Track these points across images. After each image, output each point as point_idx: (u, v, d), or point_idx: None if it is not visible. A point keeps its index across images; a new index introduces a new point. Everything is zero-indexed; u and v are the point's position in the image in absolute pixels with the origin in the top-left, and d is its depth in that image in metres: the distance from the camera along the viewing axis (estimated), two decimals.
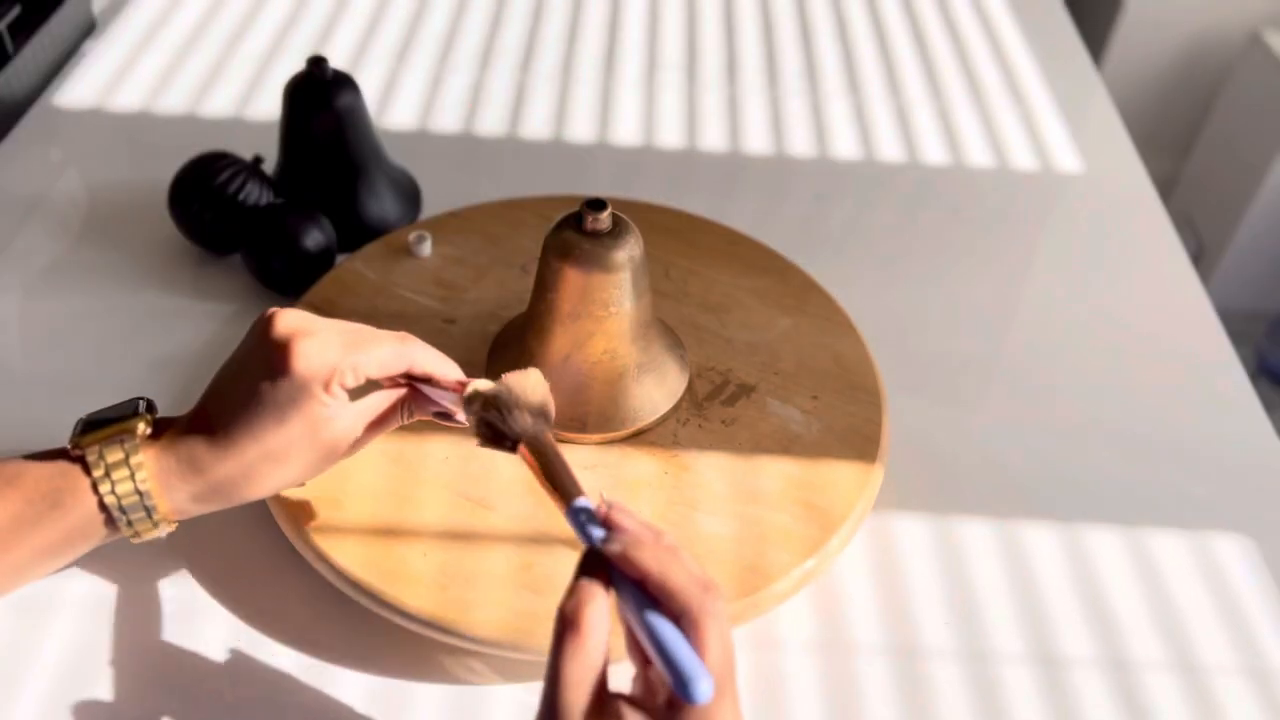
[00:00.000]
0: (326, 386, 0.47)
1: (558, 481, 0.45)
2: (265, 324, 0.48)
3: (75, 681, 0.52)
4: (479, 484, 0.57)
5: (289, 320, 0.48)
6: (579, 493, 0.44)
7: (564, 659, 0.39)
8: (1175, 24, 1.81)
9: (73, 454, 0.47)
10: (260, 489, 0.49)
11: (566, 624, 0.39)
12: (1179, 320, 0.76)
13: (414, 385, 0.51)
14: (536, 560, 0.54)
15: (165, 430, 0.48)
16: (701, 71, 0.99)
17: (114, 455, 0.46)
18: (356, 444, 0.50)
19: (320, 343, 0.47)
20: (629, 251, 0.56)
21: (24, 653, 0.53)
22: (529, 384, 0.48)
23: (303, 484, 0.51)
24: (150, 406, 0.49)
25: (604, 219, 0.56)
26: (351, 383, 0.48)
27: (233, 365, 0.49)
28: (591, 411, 0.59)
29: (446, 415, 0.51)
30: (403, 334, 0.50)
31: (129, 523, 0.47)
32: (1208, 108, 1.89)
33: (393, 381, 0.51)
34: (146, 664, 0.53)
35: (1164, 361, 0.73)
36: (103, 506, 0.46)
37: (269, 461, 0.48)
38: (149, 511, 0.47)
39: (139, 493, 0.46)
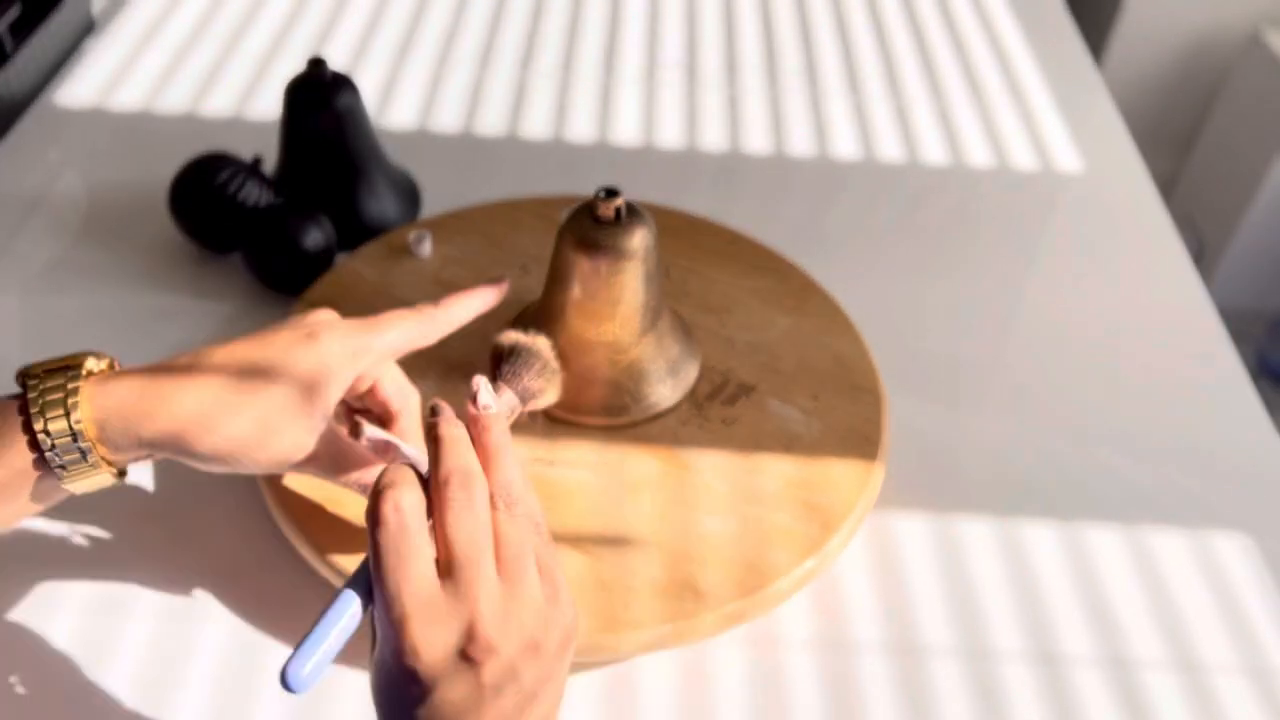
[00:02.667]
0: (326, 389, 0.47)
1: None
2: (314, 335, 0.48)
3: (75, 681, 0.52)
4: None
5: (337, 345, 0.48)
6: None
7: (386, 563, 0.37)
8: (1175, 24, 1.81)
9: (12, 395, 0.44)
10: (211, 440, 0.45)
11: (371, 523, 0.38)
12: (1179, 320, 0.76)
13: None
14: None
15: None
16: (701, 70, 0.99)
17: (54, 394, 0.43)
18: (309, 459, 0.48)
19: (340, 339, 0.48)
20: (641, 240, 0.57)
21: (25, 652, 0.53)
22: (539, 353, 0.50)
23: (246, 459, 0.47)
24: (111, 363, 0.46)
25: (616, 207, 0.57)
26: (363, 386, 0.50)
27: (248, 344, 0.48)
28: (602, 399, 0.60)
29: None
30: (420, 307, 0.52)
31: (62, 465, 0.43)
32: (1208, 107, 1.89)
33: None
34: (146, 663, 0.53)
35: (1164, 361, 0.73)
36: (34, 445, 0.43)
37: (243, 446, 0.45)
38: (84, 453, 0.43)
39: (72, 432, 0.43)
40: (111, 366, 0.47)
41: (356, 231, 0.75)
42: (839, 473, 0.59)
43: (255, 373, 0.46)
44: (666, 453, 0.60)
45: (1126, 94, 1.82)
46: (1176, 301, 0.78)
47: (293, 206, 0.71)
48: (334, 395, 0.48)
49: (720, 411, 0.62)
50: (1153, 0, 1.79)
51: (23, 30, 0.88)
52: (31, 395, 0.43)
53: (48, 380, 0.44)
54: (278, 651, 0.54)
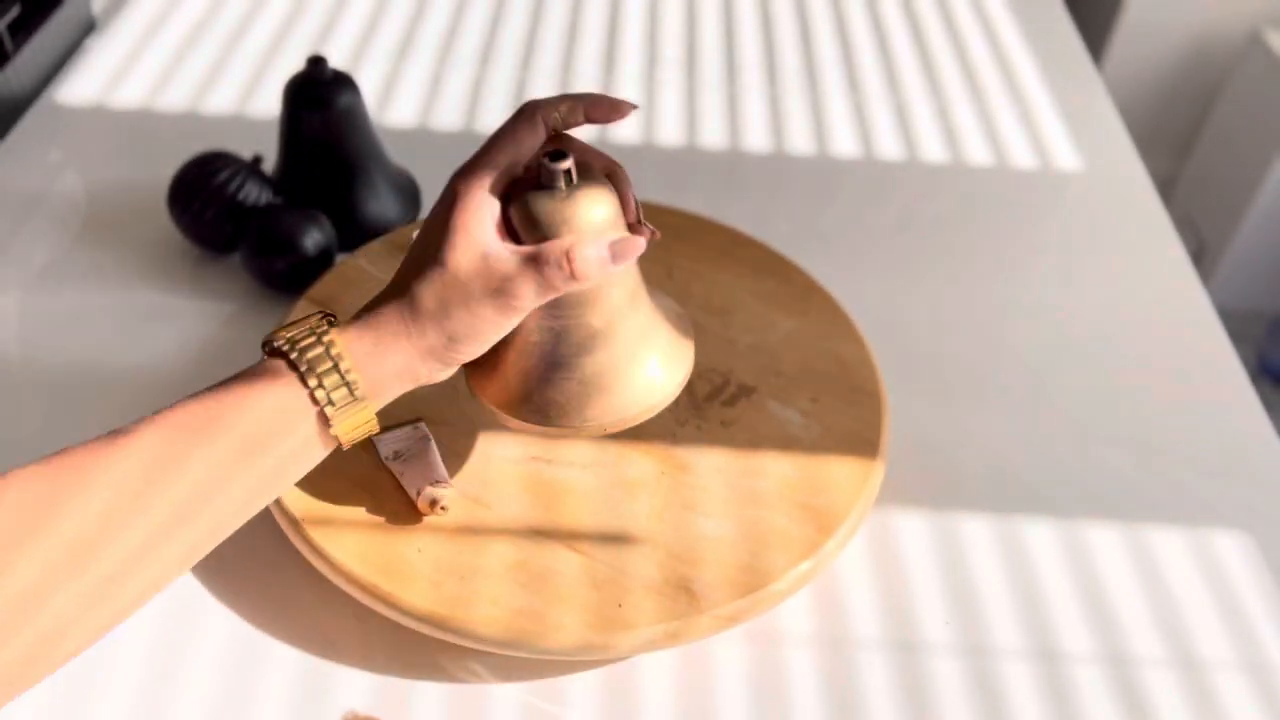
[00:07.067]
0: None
1: None
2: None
3: (74, 679, 0.52)
4: (476, 481, 0.57)
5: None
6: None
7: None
8: (1175, 24, 1.81)
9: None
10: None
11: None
12: (1179, 320, 0.76)
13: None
14: (532, 558, 0.54)
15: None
16: (701, 70, 0.99)
17: (315, 353, 0.44)
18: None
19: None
20: (595, 212, 0.47)
21: None
22: None
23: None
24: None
25: (562, 172, 0.47)
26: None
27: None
28: (563, 401, 0.50)
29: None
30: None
31: (333, 404, 0.44)
32: (1208, 107, 1.89)
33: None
34: (144, 661, 0.53)
35: (1164, 361, 0.73)
36: (313, 399, 0.44)
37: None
38: (350, 387, 0.45)
39: (345, 382, 0.44)
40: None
41: (356, 231, 0.75)
42: (838, 476, 0.59)
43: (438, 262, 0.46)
44: (664, 453, 0.60)
45: (1126, 94, 1.82)
46: (1176, 302, 0.78)
47: (292, 206, 0.71)
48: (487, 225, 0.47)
49: (719, 413, 0.62)
50: (1153, 0, 1.79)
51: (23, 29, 0.88)
52: (295, 358, 0.44)
53: (301, 343, 0.45)
54: (275, 648, 0.54)
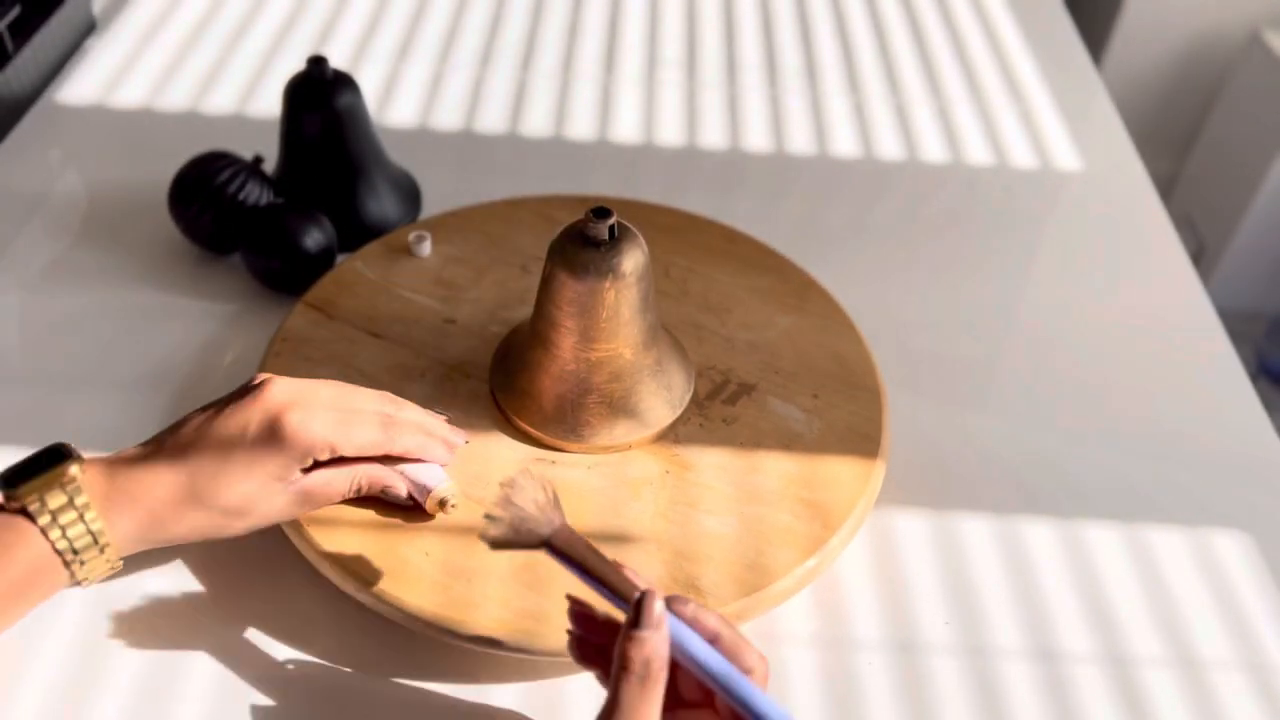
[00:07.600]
0: (302, 459, 0.50)
1: (603, 577, 0.44)
2: (257, 389, 0.50)
3: (74, 679, 0.52)
4: (480, 482, 0.57)
5: (284, 388, 0.50)
6: (633, 586, 0.44)
7: (645, 704, 0.41)
8: (1175, 24, 1.81)
9: (10, 507, 0.47)
10: (188, 534, 0.50)
11: (649, 674, 0.41)
12: (1179, 320, 0.76)
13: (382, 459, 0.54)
14: (538, 559, 0.54)
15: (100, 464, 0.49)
16: (701, 70, 0.99)
17: (56, 500, 0.47)
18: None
19: (310, 417, 0.50)
20: (633, 261, 0.56)
21: (23, 651, 0.53)
22: (536, 483, 0.46)
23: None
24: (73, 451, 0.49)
25: (606, 228, 0.55)
26: (324, 458, 0.51)
27: (215, 421, 0.50)
28: (595, 422, 0.59)
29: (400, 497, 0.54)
30: (386, 417, 0.53)
31: (81, 562, 0.48)
32: (1208, 108, 1.89)
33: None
34: (145, 662, 0.53)
35: (1164, 361, 0.73)
36: (55, 551, 0.47)
37: (226, 516, 0.50)
38: (101, 548, 0.48)
39: (90, 532, 0.47)
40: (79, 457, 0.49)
41: (357, 231, 0.75)
42: (840, 471, 0.59)
43: (233, 453, 0.49)
44: (667, 451, 0.60)
45: (1126, 94, 1.82)
46: (1176, 301, 0.78)
47: (293, 206, 0.71)
48: (298, 470, 0.51)
49: (721, 410, 0.62)
50: (1153, 0, 1.79)
51: (24, 30, 0.88)
52: (34, 507, 0.47)
53: (46, 493, 0.47)
54: (278, 649, 0.54)
